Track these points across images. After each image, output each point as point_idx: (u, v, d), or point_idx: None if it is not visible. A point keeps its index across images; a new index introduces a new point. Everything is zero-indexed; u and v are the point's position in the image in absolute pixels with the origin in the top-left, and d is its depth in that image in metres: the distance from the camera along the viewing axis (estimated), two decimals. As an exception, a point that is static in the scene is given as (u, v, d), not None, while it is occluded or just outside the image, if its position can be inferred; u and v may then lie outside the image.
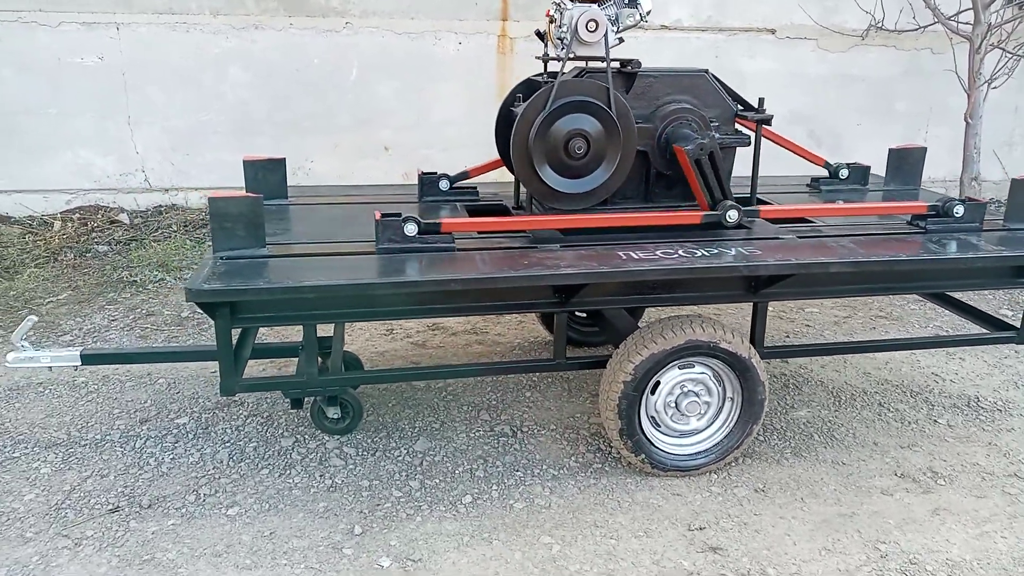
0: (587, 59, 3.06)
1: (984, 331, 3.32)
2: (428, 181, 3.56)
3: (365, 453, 3.08)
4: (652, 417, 2.90)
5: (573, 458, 3.07)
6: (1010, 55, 6.20)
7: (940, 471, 3.03)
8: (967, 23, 6.19)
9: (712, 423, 2.95)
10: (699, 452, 2.94)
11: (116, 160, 6.08)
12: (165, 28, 5.89)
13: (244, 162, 3.43)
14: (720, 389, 2.92)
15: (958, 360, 3.97)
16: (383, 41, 6.17)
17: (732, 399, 2.93)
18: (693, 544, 2.59)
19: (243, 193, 2.66)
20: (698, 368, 2.88)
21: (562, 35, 2.95)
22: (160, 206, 6.21)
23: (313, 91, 6.17)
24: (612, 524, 2.68)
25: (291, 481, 2.90)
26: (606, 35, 2.92)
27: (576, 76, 3.05)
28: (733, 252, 2.76)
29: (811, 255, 2.75)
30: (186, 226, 5.96)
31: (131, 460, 3.03)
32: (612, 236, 2.95)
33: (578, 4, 2.93)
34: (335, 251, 2.75)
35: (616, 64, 3.03)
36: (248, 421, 3.33)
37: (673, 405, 2.89)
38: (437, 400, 3.50)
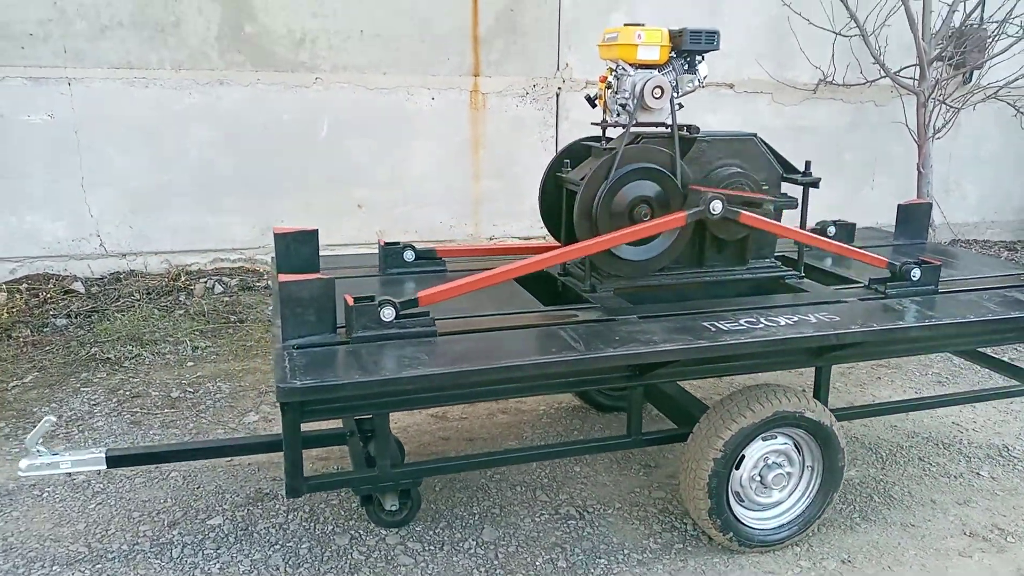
0: (635, 125, 3.00)
1: (1017, 383, 3.43)
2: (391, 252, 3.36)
3: (432, 548, 2.87)
4: (736, 492, 2.82)
5: (651, 539, 2.95)
6: (950, 108, 6.59)
7: (1005, 527, 3.07)
8: (910, 78, 6.57)
9: (793, 494, 2.90)
10: (783, 525, 2.88)
11: (68, 224, 5.64)
12: (122, 83, 5.56)
13: (275, 234, 3.20)
14: (800, 459, 2.88)
15: (971, 408, 4.09)
16: (355, 97, 6.01)
17: (812, 468, 2.89)
18: (805, 626, 2.51)
19: (315, 275, 2.46)
20: (780, 439, 2.83)
21: (623, 101, 2.90)
22: (118, 273, 5.79)
23: (283, 148, 5.94)
24: (717, 610, 2.57)
25: (362, 586, 2.66)
26: (671, 101, 2.88)
27: (632, 142, 3.00)
28: (814, 320, 2.74)
29: (889, 320, 2.76)
30: (149, 294, 5.57)
31: (174, 573, 2.72)
32: (667, 302, 2.90)
33: (639, 70, 2.90)
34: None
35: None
36: (290, 517, 3.06)
37: (758, 478, 2.82)
38: (485, 481, 3.32)
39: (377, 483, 2.63)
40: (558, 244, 3.32)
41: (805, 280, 3.24)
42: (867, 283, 3.12)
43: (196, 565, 2.76)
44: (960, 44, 6.48)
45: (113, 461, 2.82)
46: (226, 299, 5.60)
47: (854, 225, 3.73)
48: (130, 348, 4.77)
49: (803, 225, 3.24)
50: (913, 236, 4.00)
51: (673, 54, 2.92)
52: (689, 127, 3.02)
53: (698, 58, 2.95)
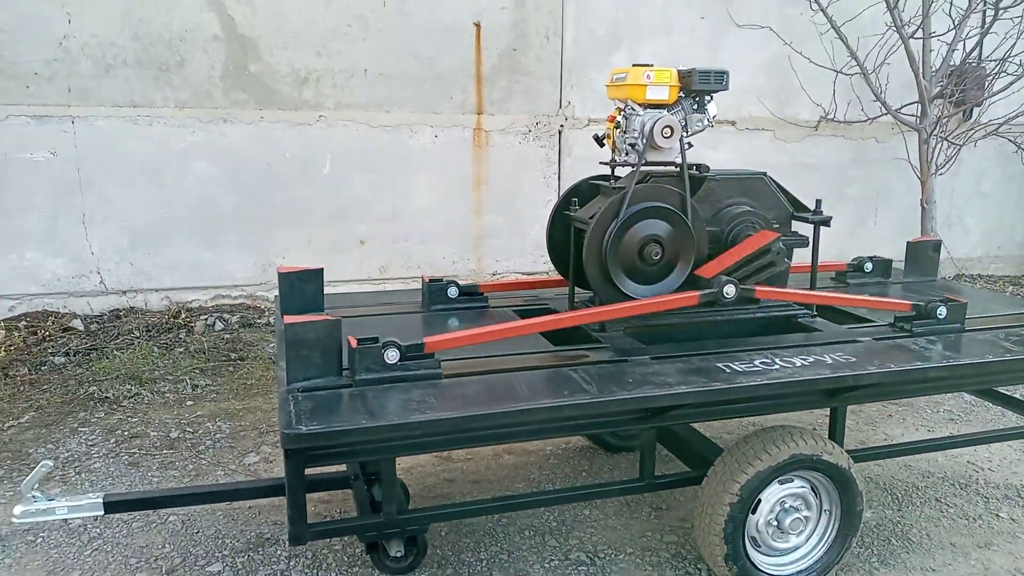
0: (644, 164, 2.97)
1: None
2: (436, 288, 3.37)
3: (439, 595, 2.78)
4: (752, 537, 2.74)
5: (664, 585, 2.87)
6: (952, 144, 6.61)
7: (1027, 572, 2.99)
8: (911, 115, 6.59)
9: (811, 539, 2.82)
10: (801, 571, 2.80)
11: (68, 261, 5.60)
12: (125, 122, 5.56)
13: (279, 273, 3.15)
14: (818, 502, 2.80)
15: (986, 447, 4.02)
16: (358, 134, 6.02)
17: (829, 511, 2.82)
18: None
19: (320, 316, 2.41)
20: (797, 482, 2.76)
21: (633, 140, 2.88)
22: (117, 310, 5.73)
23: (285, 185, 5.93)
24: (735, 662, 2.48)
25: (367, 637, 2.57)
26: (681, 140, 2.86)
27: (641, 181, 2.97)
28: (830, 360, 2.69)
29: (907, 360, 2.71)
30: (149, 331, 5.51)
31: (171, 624, 2.63)
32: (679, 341, 2.86)
33: (648, 110, 2.88)
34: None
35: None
36: (292, 564, 2.97)
37: (774, 523, 2.75)
38: (492, 525, 3.24)
39: (383, 530, 2.55)
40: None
41: (818, 319, 3.19)
42: (892, 322, 3.07)
43: (195, 615, 2.67)
44: (960, 82, 6.52)
45: (111, 507, 2.74)
46: (227, 336, 5.54)
47: (891, 261, 3.70)
48: (129, 387, 4.70)
49: (815, 263, 3.20)
50: (923, 273, 3.96)
51: (682, 94, 2.91)
52: (699, 166, 3.00)
53: (707, 98, 2.94)
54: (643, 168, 3.01)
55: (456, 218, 6.34)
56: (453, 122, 6.19)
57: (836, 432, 2.98)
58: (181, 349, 5.31)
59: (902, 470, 3.77)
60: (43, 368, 4.97)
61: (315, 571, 2.92)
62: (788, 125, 6.93)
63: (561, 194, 3.22)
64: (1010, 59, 6.40)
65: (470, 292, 3.42)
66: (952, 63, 6.44)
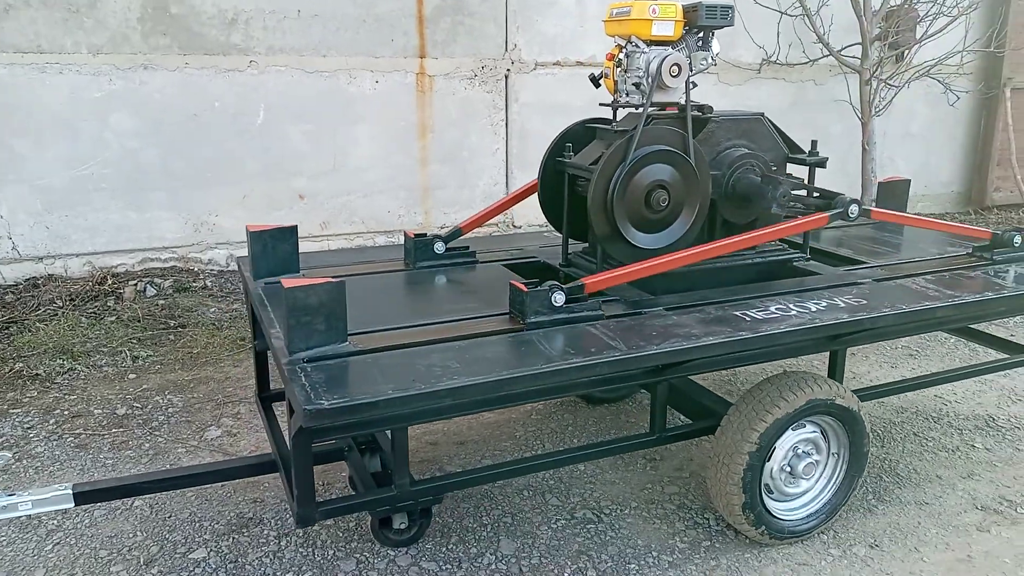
0: (643, 106, 2.81)
1: (1006, 355, 3.46)
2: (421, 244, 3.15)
3: (449, 566, 2.64)
4: (766, 484, 2.70)
5: (677, 538, 2.81)
6: (889, 86, 6.73)
7: (1012, 499, 3.08)
8: (852, 56, 6.66)
9: (819, 482, 2.81)
10: (811, 514, 2.79)
11: (-27, 227, 5.06)
12: (32, 70, 5.01)
13: (249, 233, 2.87)
14: (827, 446, 2.79)
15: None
16: (292, 81, 5.62)
17: (837, 454, 2.81)
18: (855, 621, 2.42)
19: (323, 279, 2.18)
20: (809, 427, 2.73)
21: (637, 80, 2.72)
22: (34, 278, 5.25)
23: (215, 137, 5.50)
24: (763, 611, 2.45)
25: (382, 617, 2.41)
26: (687, 80, 2.72)
27: (648, 124, 2.81)
28: (842, 303, 2.65)
29: (917, 300, 2.70)
30: (72, 300, 5.06)
31: (162, 621, 2.40)
32: (679, 290, 2.80)
33: (653, 47, 2.72)
34: (434, 337, 2.32)
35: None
36: (283, 544, 2.76)
37: (787, 469, 2.72)
38: (488, 488, 3.11)
39: (396, 503, 2.38)
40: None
41: (811, 262, 3.15)
42: (971, 251, 3.17)
43: (187, 608, 2.45)
44: (893, 24, 6.60)
45: (81, 497, 2.46)
46: (161, 302, 5.15)
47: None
48: (61, 362, 4.30)
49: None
50: (895, 211, 3.98)
51: (686, 30, 2.75)
52: (702, 107, 2.87)
53: (710, 34, 2.79)
54: (639, 110, 2.85)
55: (401, 169, 6.05)
56: (395, 67, 5.86)
57: (836, 375, 2.97)
58: (112, 318, 4.90)
59: (876, 407, 3.83)
60: (-43, 345, 4.49)
61: (310, 549, 2.73)
62: (732, 68, 6.89)
63: (553, 139, 3.03)
64: (939, 2, 6.53)
65: (457, 246, 3.23)
66: (890, 5, 6.51)
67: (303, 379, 2.02)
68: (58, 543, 2.78)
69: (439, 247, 3.15)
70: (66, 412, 3.80)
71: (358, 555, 2.69)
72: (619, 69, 2.79)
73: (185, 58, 5.33)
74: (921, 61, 6.82)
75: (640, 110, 2.75)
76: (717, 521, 2.89)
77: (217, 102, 5.47)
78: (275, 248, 2.90)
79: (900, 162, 7.73)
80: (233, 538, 2.80)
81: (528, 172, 6.40)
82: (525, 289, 2.40)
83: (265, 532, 2.83)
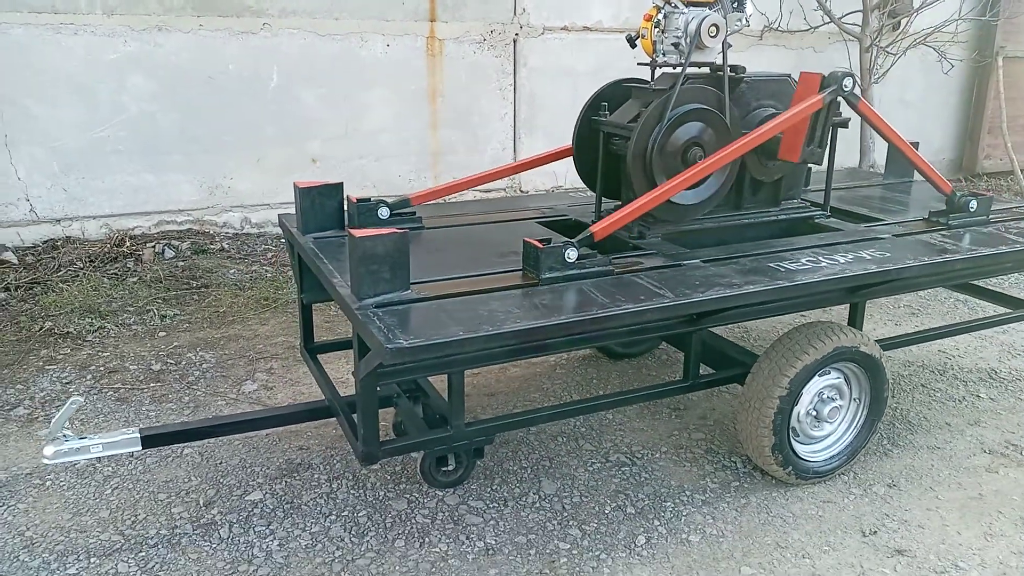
0: (681, 65, 2.91)
1: (1008, 310, 3.64)
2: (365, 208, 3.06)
3: (496, 505, 2.79)
4: (793, 428, 2.87)
5: (707, 479, 2.98)
6: (887, 54, 6.86)
7: (1017, 443, 3.27)
8: (853, 24, 6.78)
9: (841, 425, 2.98)
10: (833, 456, 2.96)
11: (-9, 189, 5.08)
12: (47, 30, 5.01)
13: (297, 189, 2.96)
14: (849, 391, 2.95)
15: (950, 337, 4.32)
16: (305, 44, 5.65)
17: (858, 400, 2.98)
18: (878, 550, 2.60)
19: (388, 230, 2.28)
20: (833, 374, 2.89)
21: (676, 40, 2.82)
22: (52, 240, 5.29)
23: (229, 100, 5.53)
24: (793, 543, 2.63)
25: (438, 550, 2.56)
26: (724, 40, 2.83)
27: (684, 84, 2.91)
28: (868, 256, 2.80)
29: (938, 254, 2.85)
30: (92, 261, 5.13)
31: (229, 556, 2.53)
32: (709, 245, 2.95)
33: (692, 8, 2.82)
34: (488, 286, 2.44)
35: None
36: (335, 486, 2.90)
37: (813, 413, 2.88)
38: (524, 435, 3.26)
39: (452, 443, 2.51)
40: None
41: (831, 219, 3.30)
42: (928, 216, 3.22)
43: (251, 544, 2.58)
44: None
45: (148, 441, 2.58)
46: (180, 264, 5.22)
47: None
48: (89, 320, 4.38)
49: (831, 164, 3.28)
50: (902, 174, 4.14)
51: (722, -9, 2.85)
52: (735, 67, 2.98)
53: (745, -5, 2.89)
54: (675, 70, 2.96)
55: (411, 134, 6.12)
56: (405, 30, 5.89)
57: (857, 325, 3.13)
58: (134, 279, 4.97)
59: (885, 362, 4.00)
60: (-16, 305, 4.55)
61: (362, 491, 2.87)
62: (736, 34, 6.95)
63: (588, 98, 3.14)
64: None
65: (402, 211, 3.13)
66: (891, -28, 6.61)
67: (377, 322, 2.13)
68: (116, 487, 2.89)
69: (383, 212, 3.04)
70: (102, 368, 3.89)
71: (408, 496, 2.83)
72: (657, 29, 2.88)
73: (199, 20, 5.34)
74: (918, 29, 6.95)
75: (677, 69, 2.86)
76: (744, 464, 3.06)
77: (231, 64, 5.49)
78: (323, 204, 2.99)
79: (895, 128, 7.86)
80: (286, 481, 2.93)
81: (535, 137, 6.49)
82: (540, 246, 2.45)
83: (316, 476, 2.96)
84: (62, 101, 5.11)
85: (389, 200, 3.09)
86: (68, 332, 4.25)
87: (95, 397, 3.61)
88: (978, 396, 3.69)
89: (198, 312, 4.60)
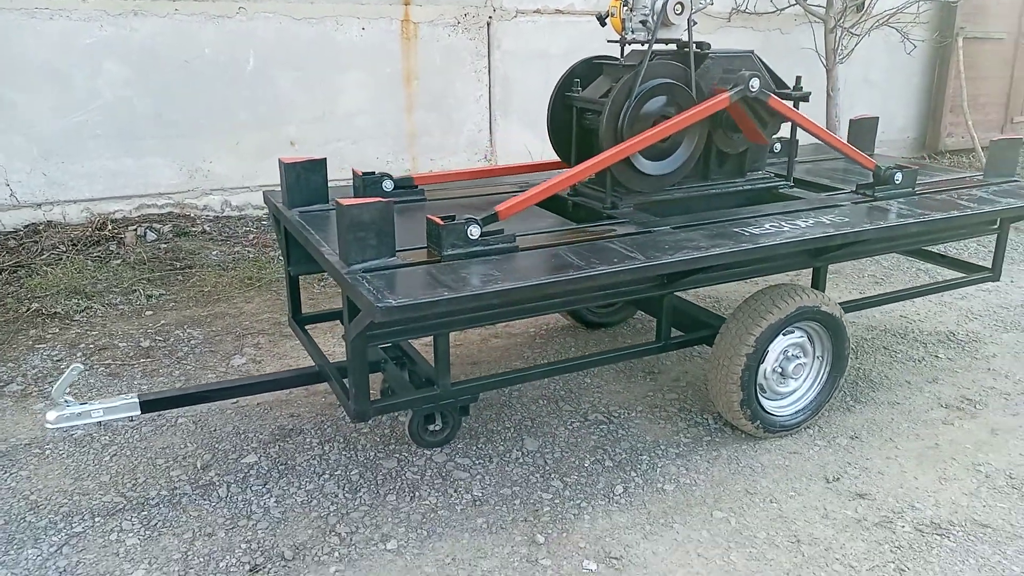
0: (648, 42, 3.03)
1: (963, 274, 3.85)
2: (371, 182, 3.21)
3: (482, 461, 2.94)
4: (760, 384, 3.04)
5: (680, 435, 3.14)
6: (851, 34, 7.05)
7: (971, 398, 3.48)
8: (818, 5, 6.96)
9: (806, 382, 3.16)
10: (799, 411, 3.14)
11: (-29, 174, 5.11)
12: (20, 15, 5.04)
13: (282, 164, 3.07)
14: (813, 349, 3.13)
15: (911, 304, 4.54)
16: (281, 27, 5.72)
17: (821, 357, 3.16)
18: (841, 494, 2.78)
19: (374, 199, 2.40)
20: (797, 333, 3.06)
21: (643, 18, 2.96)
22: (34, 224, 5.33)
23: (206, 85, 5.59)
24: (762, 489, 2.80)
25: (427, 503, 2.70)
26: (689, 18, 2.97)
27: (652, 60, 3.04)
28: (827, 221, 2.96)
29: (888, 218, 3.03)
30: (75, 244, 5.18)
31: (229, 513, 2.65)
32: (677, 214, 3.09)
33: (657, -13, 2.96)
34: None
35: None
36: (327, 448, 3.03)
37: (779, 370, 3.05)
38: (505, 398, 3.41)
39: (439, 401, 2.65)
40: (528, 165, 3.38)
41: (795, 189, 3.46)
42: (855, 187, 3.38)
43: (249, 501, 2.70)
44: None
45: (147, 406, 2.69)
46: (163, 246, 5.29)
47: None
48: (76, 301, 4.45)
49: (793, 136, 3.45)
50: (863, 148, 4.30)
51: (687, -30, 2.99)
52: (700, 44, 3.13)
53: (709, -25, 3.04)
54: (642, 48, 3.10)
55: (387, 116, 6.21)
56: (380, 13, 5.97)
57: (819, 288, 3.30)
58: (118, 261, 5.04)
59: (849, 327, 4.19)
60: (-32, 288, 4.59)
61: (352, 452, 3.00)
62: (702, 16, 7.06)
63: (561, 75, 3.27)
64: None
65: (406, 185, 3.30)
66: (854, -46, 6.79)
67: (366, 284, 2.26)
68: (115, 454, 3.00)
69: (387, 185, 3.17)
70: (92, 345, 3.97)
71: (397, 455, 2.97)
72: (626, 8, 3.02)
73: (175, 4, 5.38)
74: (881, 10, 7.15)
75: (645, 46, 3.00)
76: (715, 421, 3.23)
77: (207, 49, 5.55)
78: (307, 179, 3.10)
79: (860, 108, 8.08)
80: (279, 445, 3.05)
81: (510, 119, 6.61)
82: (441, 223, 2.45)
83: (307, 440, 3.09)
84: (39, 87, 5.14)
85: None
86: (56, 312, 4.31)
87: (87, 373, 3.70)
88: (936, 356, 3.89)
89: (183, 292, 4.68)
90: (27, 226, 5.31)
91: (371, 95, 6.11)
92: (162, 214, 5.67)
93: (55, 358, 3.84)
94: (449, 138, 6.45)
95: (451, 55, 6.28)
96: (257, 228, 5.73)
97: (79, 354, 3.88)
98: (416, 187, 3.34)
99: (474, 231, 2.47)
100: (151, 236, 5.41)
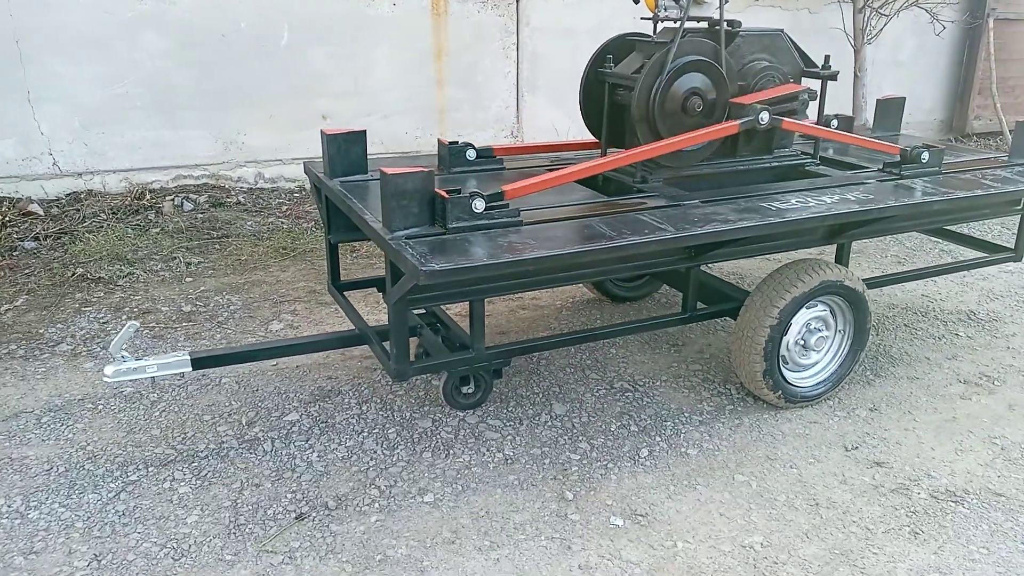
0: (681, 19, 3.10)
1: (985, 254, 3.91)
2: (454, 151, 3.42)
3: (512, 423, 3.07)
4: (783, 356, 3.14)
5: (704, 403, 3.25)
6: (880, 15, 7.04)
7: (990, 375, 3.56)
8: (847, -15, 6.94)
9: (827, 354, 3.25)
10: (820, 382, 3.24)
11: (16, 143, 5.28)
12: (65, -12, 5.15)
13: (324, 136, 3.18)
14: (835, 323, 3.22)
15: (932, 283, 4.60)
16: (314, 2, 5.82)
17: (843, 331, 3.25)
18: (859, 462, 2.88)
19: (416, 168, 2.52)
20: (820, 306, 3.15)
21: (678, -3, 3.03)
22: (75, 193, 5.50)
23: (241, 58, 5.71)
24: (782, 455, 2.91)
25: (462, 460, 2.84)
26: (721, -4, 3.04)
27: (683, 37, 3.11)
28: (852, 197, 3.04)
29: (912, 196, 3.10)
30: (115, 213, 5.34)
31: (274, 465, 2.80)
32: (706, 189, 3.17)
33: (691, -34, 3.02)
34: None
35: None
36: (365, 408, 3.17)
37: (801, 343, 3.15)
38: (534, 366, 3.53)
39: (474, 363, 2.78)
40: (596, 141, 3.47)
41: (821, 167, 3.53)
42: (882, 167, 3.44)
43: (293, 455, 2.85)
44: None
45: (198, 363, 2.84)
46: (199, 216, 5.44)
47: (852, 118, 4.06)
48: (119, 267, 4.61)
49: (820, 114, 3.51)
50: (890, 128, 4.37)
51: (720, -51, 3.06)
52: (731, 22, 3.19)
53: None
54: (674, 25, 3.17)
55: (417, 91, 6.30)
56: (412, -10, 6.05)
57: (843, 264, 3.38)
58: (157, 230, 5.20)
59: (871, 305, 4.27)
60: (15, 253, 4.77)
61: (388, 412, 3.14)
62: (730, -4, 7.12)
63: (594, 51, 3.35)
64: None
65: (486, 155, 3.50)
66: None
67: (411, 249, 2.37)
68: (163, 410, 3.16)
69: (470, 154, 3.41)
70: (136, 309, 4.14)
71: (432, 416, 3.10)
72: (661, -13, 3.09)
73: (212, -21, 5.49)
74: (911, -9, 7.12)
75: (678, 24, 3.07)
76: (738, 391, 3.34)
77: (243, 23, 5.66)
78: (348, 150, 3.21)
79: (888, 89, 8.06)
80: (319, 404, 3.20)
81: (537, 95, 6.68)
82: (447, 196, 2.50)
83: (346, 400, 3.23)
84: (81, 59, 5.28)
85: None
86: (100, 277, 4.48)
87: (132, 335, 3.85)
88: (956, 334, 3.97)
89: (221, 260, 4.83)
90: (69, 195, 5.48)
91: (402, 70, 6.20)
92: (198, 185, 5.82)
93: (101, 320, 4.00)
94: (478, 114, 6.53)
95: (480, 31, 6.35)
96: (290, 200, 5.86)
97: (124, 316, 4.05)
98: (495, 157, 3.49)
99: (479, 204, 2.57)
100: (188, 206, 5.56)
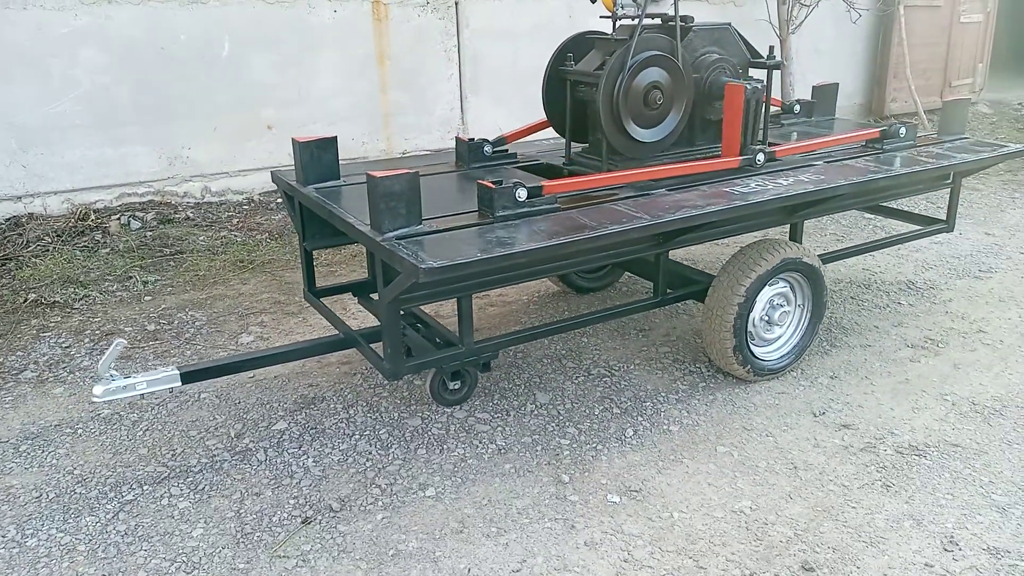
0: (639, 16, 3.24)
1: (920, 227, 4.18)
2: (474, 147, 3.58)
3: (500, 415, 3.15)
4: (750, 332, 3.31)
5: (678, 383, 3.40)
6: (802, 5, 7.38)
7: (934, 338, 3.82)
8: (770, -21, 7.25)
9: (789, 328, 3.44)
10: (784, 355, 3.43)
11: (-50, 168, 5.09)
12: (-6, 6, 5.00)
13: (295, 143, 3.21)
14: (795, 298, 3.41)
15: (871, 257, 4.88)
16: (254, 12, 5.78)
17: (802, 305, 3.44)
18: (828, 426, 3.07)
19: (402, 170, 2.58)
20: (781, 283, 3.34)
21: (634, -5, 3.17)
22: (16, 217, 5.33)
23: (183, 71, 5.63)
24: (758, 425, 3.08)
25: (456, 454, 2.91)
26: (674, -6, 3.19)
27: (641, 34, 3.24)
28: (806, 179, 3.24)
29: (862, 174, 3.31)
30: (60, 236, 5.21)
31: (271, 474, 2.82)
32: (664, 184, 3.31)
33: (646, -34, 3.16)
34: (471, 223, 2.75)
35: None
36: (352, 412, 3.21)
37: (765, 318, 3.33)
38: (511, 359, 3.62)
39: (464, 359, 2.85)
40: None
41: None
42: (864, 144, 3.68)
43: (288, 463, 2.88)
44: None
45: (187, 377, 2.84)
46: (149, 234, 5.35)
47: (814, 103, 4.31)
48: (73, 290, 4.51)
49: (767, 106, 3.69)
50: (826, 112, 4.62)
51: (671, -52, 3.21)
52: (684, 17, 3.35)
53: (691, -48, 3.25)
54: (631, 22, 3.31)
55: (362, 97, 6.32)
56: (351, -3, 6.06)
57: (797, 241, 3.58)
58: (107, 250, 5.09)
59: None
60: (-39, 282, 4.61)
61: (376, 414, 3.18)
62: (659, -8, 7.35)
63: (555, 50, 3.46)
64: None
65: (501, 148, 3.68)
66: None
67: (404, 249, 2.44)
68: (147, 429, 3.13)
69: (488, 149, 3.60)
70: (97, 331, 4.06)
71: (420, 414, 3.17)
72: (617, -14, 3.22)
73: (148, -8, 5.40)
74: (830, -18, 7.48)
75: (635, 20, 3.21)
76: (707, 369, 3.50)
77: (183, 35, 5.58)
78: (320, 157, 3.24)
79: (811, 76, 8.42)
80: (305, 412, 3.22)
81: (481, 96, 6.77)
82: (493, 187, 2.72)
83: (332, 406, 3.26)
84: (16, 77, 5.13)
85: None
86: (55, 301, 4.37)
87: (97, 357, 3.79)
88: (899, 303, 4.23)
89: (178, 277, 4.77)
90: (8, 219, 5.31)
91: (345, 77, 6.20)
92: (143, 202, 5.71)
93: (63, 344, 3.92)
94: (423, 117, 6.58)
95: (422, 35, 6.40)
96: (240, 212, 5.81)
97: (87, 339, 3.97)
98: (508, 150, 3.69)
99: (522, 193, 2.73)
100: (135, 224, 5.46)
